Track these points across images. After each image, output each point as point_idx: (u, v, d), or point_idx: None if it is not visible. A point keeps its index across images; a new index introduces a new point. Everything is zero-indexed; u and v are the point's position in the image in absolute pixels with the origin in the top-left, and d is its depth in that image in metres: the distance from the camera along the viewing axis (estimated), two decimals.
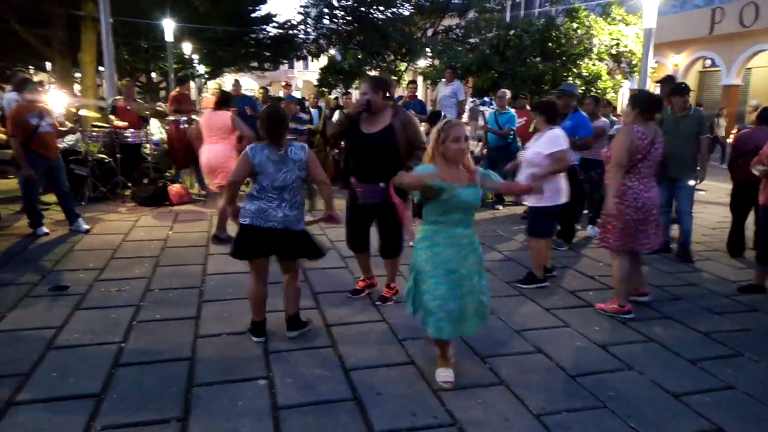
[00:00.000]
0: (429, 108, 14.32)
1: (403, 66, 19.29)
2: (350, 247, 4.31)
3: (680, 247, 5.67)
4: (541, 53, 13.10)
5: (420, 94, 20.68)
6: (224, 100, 5.92)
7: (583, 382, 3.13)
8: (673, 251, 5.77)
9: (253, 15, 23.90)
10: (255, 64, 26.63)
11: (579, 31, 13.03)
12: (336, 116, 9.91)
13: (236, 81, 9.93)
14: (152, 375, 3.07)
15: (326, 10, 18.79)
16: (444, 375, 3.04)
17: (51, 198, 6.77)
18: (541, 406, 2.86)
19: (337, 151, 9.04)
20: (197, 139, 6.12)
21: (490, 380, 3.11)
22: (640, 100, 4.07)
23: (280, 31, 23.21)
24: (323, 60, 20.11)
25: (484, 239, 5.41)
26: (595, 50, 12.91)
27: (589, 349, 3.58)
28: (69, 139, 8.27)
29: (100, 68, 13.87)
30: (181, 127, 8.10)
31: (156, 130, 9.67)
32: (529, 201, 4.75)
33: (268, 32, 24.22)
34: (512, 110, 8.05)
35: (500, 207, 7.95)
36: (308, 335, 3.60)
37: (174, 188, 7.77)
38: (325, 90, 17.42)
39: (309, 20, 20.10)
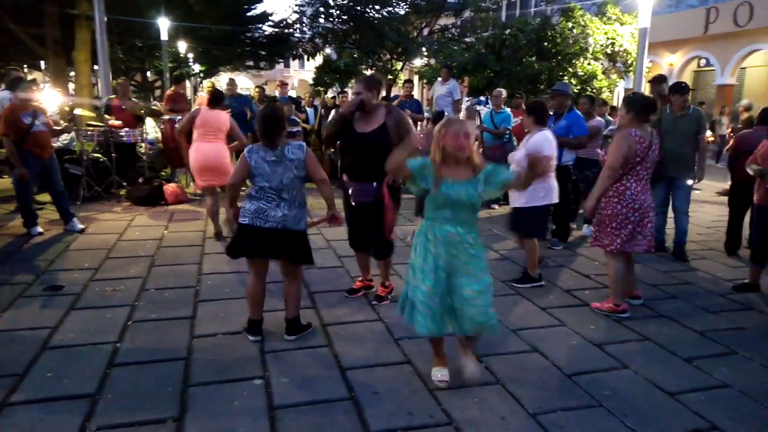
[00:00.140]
0: (425, 107, 14.33)
1: (399, 65, 19.29)
2: (351, 245, 4.31)
3: (676, 246, 5.68)
4: (536, 53, 13.10)
5: (416, 94, 20.68)
6: (218, 98, 5.86)
7: (579, 380, 3.14)
8: (668, 250, 5.79)
9: (248, 14, 23.85)
10: (250, 63, 26.62)
11: (574, 31, 13.05)
12: (331, 115, 9.89)
13: (231, 80, 9.85)
14: (148, 375, 3.06)
15: (322, 9, 18.75)
16: (439, 374, 3.04)
17: (45, 197, 6.74)
18: (537, 405, 2.86)
19: (333, 150, 9.01)
20: (182, 133, 5.94)
21: (486, 379, 3.11)
22: (635, 103, 4.02)
23: (276, 29, 23.15)
24: (319, 59, 20.09)
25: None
26: (591, 50, 12.93)
27: (585, 347, 3.59)
28: (64, 139, 8.25)
29: (95, 67, 13.83)
30: (177, 126, 8.07)
31: (151, 129, 9.65)
32: (519, 202, 4.70)
33: (264, 31, 24.19)
34: (508, 109, 8.06)
35: (496, 206, 7.95)
36: (304, 335, 3.59)
37: (169, 187, 7.75)
38: (321, 89, 17.39)
39: (304, 19, 20.06)
